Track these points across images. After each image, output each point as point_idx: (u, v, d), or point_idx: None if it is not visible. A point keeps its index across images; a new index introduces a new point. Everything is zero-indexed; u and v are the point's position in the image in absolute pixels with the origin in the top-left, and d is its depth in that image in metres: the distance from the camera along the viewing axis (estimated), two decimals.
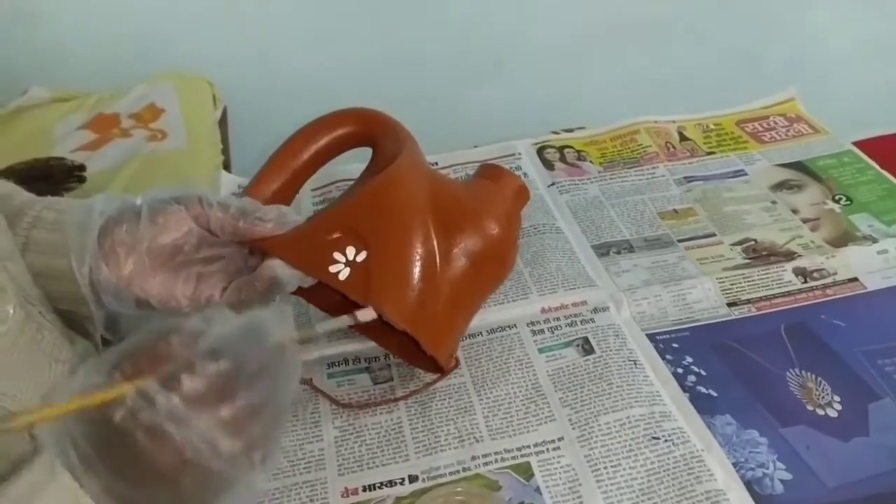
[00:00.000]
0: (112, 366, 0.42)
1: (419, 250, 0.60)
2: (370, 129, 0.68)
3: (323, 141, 0.68)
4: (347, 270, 0.58)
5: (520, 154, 0.96)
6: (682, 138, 0.98)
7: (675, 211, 0.86)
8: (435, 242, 0.61)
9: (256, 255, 0.60)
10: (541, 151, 0.96)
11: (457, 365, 0.68)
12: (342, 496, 0.60)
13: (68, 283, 0.54)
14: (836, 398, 0.65)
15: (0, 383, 0.46)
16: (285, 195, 0.67)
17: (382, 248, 0.59)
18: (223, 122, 1.18)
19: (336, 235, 0.59)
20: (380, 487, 0.60)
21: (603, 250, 0.81)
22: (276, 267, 0.57)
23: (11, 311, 0.48)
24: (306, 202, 0.90)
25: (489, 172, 0.71)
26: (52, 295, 0.55)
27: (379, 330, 0.66)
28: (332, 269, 0.58)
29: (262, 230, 0.57)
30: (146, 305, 0.56)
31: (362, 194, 0.63)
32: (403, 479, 0.61)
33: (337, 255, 0.58)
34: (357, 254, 0.58)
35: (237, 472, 0.42)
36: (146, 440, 0.39)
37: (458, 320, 0.66)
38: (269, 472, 0.44)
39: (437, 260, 0.61)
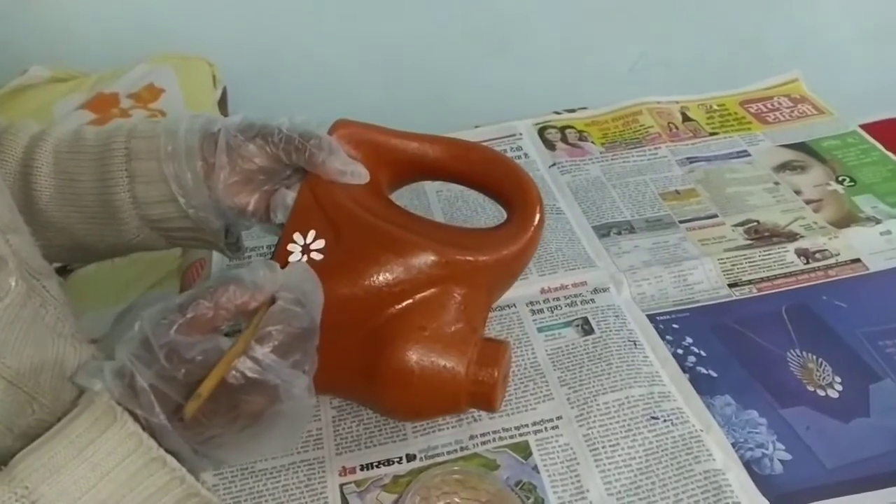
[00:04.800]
0: (191, 310, 0.46)
1: (355, 315, 0.55)
2: (516, 207, 0.62)
3: (473, 168, 0.63)
4: (299, 251, 0.56)
5: (521, 134, 0.95)
6: (685, 119, 0.97)
7: (677, 192, 0.86)
8: (376, 321, 0.55)
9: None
10: (542, 132, 0.95)
11: None
12: (340, 475, 0.60)
13: (178, 205, 0.59)
14: (837, 379, 0.65)
15: (2, 357, 0.46)
16: (391, 167, 0.63)
17: (331, 281, 0.52)
18: (223, 103, 1.18)
19: (330, 226, 0.56)
20: (377, 466, 0.60)
21: (604, 231, 0.81)
22: (286, 195, 0.60)
23: (13, 284, 0.48)
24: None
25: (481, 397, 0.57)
26: (170, 216, 0.59)
27: None
28: (296, 236, 0.56)
29: (317, 160, 0.58)
30: (225, 216, 0.61)
31: (389, 241, 0.56)
32: (401, 458, 0.61)
33: (310, 234, 0.56)
34: (316, 252, 0.56)
35: (303, 398, 0.47)
36: (250, 392, 0.45)
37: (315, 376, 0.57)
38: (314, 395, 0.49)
39: (351, 336, 0.55)
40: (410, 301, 0.56)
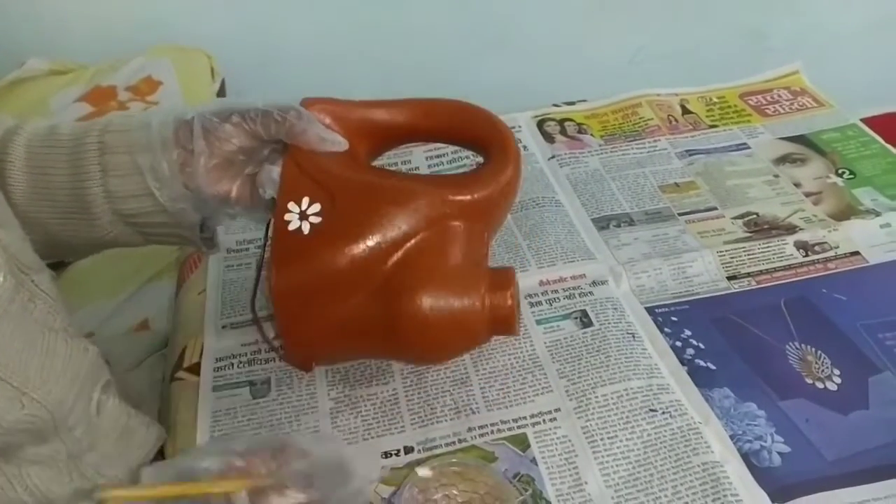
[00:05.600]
0: (226, 455, 0.47)
1: (355, 274, 0.56)
2: (493, 146, 0.63)
3: (442, 121, 0.64)
4: (297, 218, 0.56)
5: (520, 127, 0.95)
6: (685, 111, 0.96)
7: (677, 184, 0.85)
8: (379, 277, 0.56)
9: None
10: (541, 124, 0.95)
11: (308, 370, 0.65)
12: None
13: (154, 199, 0.58)
14: (836, 371, 0.65)
15: None
16: (368, 136, 0.63)
17: (334, 241, 0.56)
18: (221, 95, 1.17)
19: (323, 194, 0.57)
20: None
21: (603, 223, 0.80)
22: (272, 171, 0.59)
23: (1, 279, 0.48)
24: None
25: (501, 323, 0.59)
26: (145, 211, 0.58)
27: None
28: (291, 205, 0.57)
29: (298, 130, 0.58)
30: (207, 206, 0.60)
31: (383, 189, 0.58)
32: (399, 451, 0.61)
33: (304, 200, 0.57)
34: (314, 216, 0.56)
35: None
36: None
37: (333, 343, 0.61)
38: None
39: (362, 293, 0.57)
40: (413, 245, 0.57)
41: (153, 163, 0.57)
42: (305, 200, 0.57)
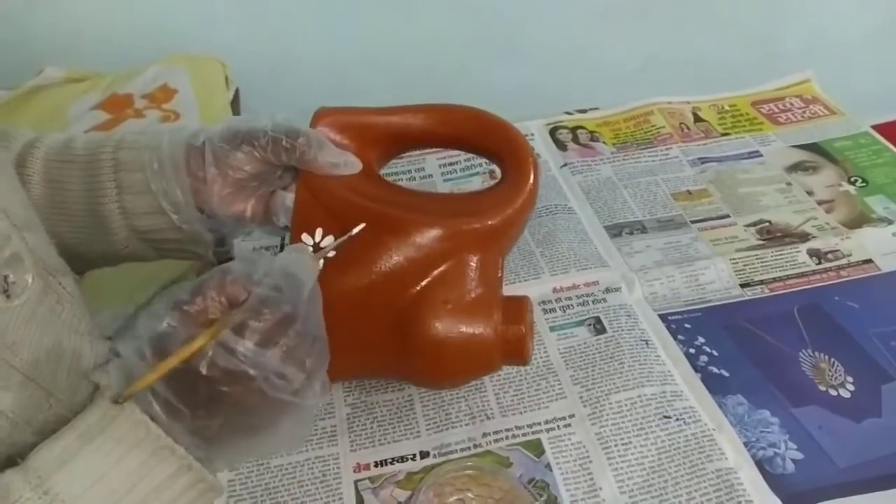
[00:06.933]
0: (182, 306, 0.46)
1: (367, 300, 0.57)
2: (510, 162, 0.62)
3: (458, 129, 0.64)
4: (310, 251, 0.56)
5: (532, 135, 0.95)
6: (697, 119, 0.97)
7: (689, 192, 0.86)
8: (392, 306, 0.57)
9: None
10: (553, 132, 0.96)
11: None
12: (354, 471, 0.60)
13: (167, 217, 0.59)
14: (849, 379, 0.65)
15: (20, 353, 0.47)
16: (382, 140, 0.64)
17: (348, 274, 0.56)
18: (235, 103, 1.18)
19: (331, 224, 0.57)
20: (391, 463, 0.61)
21: (615, 231, 0.81)
22: (285, 198, 0.60)
23: (30, 281, 0.49)
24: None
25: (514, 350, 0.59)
26: (159, 227, 0.59)
27: None
28: (305, 237, 0.57)
29: (308, 157, 0.58)
30: (222, 225, 0.61)
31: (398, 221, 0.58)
32: (415, 455, 0.61)
33: (318, 233, 0.57)
34: (327, 244, 0.57)
35: (304, 397, 0.46)
36: (229, 383, 0.44)
37: (348, 366, 0.61)
38: (326, 394, 0.48)
39: (378, 322, 0.57)
40: (429, 278, 0.57)
41: (166, 187, 0.58)
42: (319, 232, 0.57)
